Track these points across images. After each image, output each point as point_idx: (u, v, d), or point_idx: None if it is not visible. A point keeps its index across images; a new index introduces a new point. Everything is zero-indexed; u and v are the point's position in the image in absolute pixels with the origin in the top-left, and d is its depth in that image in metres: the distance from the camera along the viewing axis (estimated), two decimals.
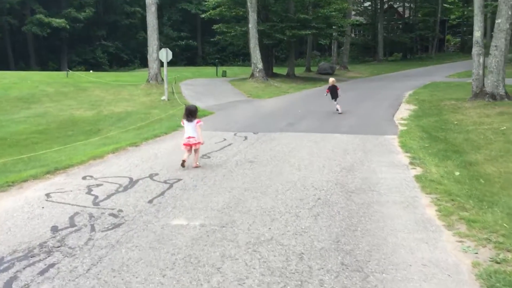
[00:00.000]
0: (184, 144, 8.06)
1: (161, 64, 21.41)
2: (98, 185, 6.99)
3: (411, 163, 8.22)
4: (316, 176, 7.42)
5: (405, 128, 12.27)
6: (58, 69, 47.48)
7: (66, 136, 13.39)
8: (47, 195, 6.46)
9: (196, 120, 8.07)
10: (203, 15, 33.68)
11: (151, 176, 7.49)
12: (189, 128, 8.07)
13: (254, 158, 8.80)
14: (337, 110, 15.16)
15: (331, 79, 15.82)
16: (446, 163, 8.33)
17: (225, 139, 11.03)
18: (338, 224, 5.15)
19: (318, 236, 4.78)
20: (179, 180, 7.24)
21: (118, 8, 57.42)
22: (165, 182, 7.14)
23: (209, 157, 8.98)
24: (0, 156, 10.30)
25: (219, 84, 28.05)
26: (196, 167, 8.03)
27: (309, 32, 31.38)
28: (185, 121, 8.12)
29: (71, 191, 6.66)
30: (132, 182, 7.14)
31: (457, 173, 7.62)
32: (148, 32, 24.50)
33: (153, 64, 24.35)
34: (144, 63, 59.47)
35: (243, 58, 57.66)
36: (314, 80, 34.29)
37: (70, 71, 30.67)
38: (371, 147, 9.82)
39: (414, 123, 13.15)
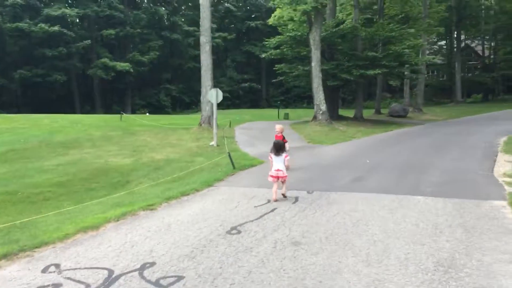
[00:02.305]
0: (272, 176, 8.59)
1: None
2: (55, 286, 4.58)
3: None
4: (396, 279, 4.58)
5: None
6: (123, 111, 47.65)
7: (87, 190, 11.38)
8: None
9: (284, 154, 8.67)
10: (263, 55, 31.85)
11: (142, 269, 5.01)
12: (278, 162, 8.62)
13: (302, 237, 6.09)
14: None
15: (278, 126, 12.27)
16: None
17: (268, 201, 8.42)
18: None
19: None
20: (180, 279, 4.70)
21: (183, 51, 57.78)
22: (157, 283, 4.61)
23: (239, 232, 6.40)
24: None
25: None
26: (284, 196, 8.58)
27: (379, 72, 28.46)
28: (273, 156, 8.67)
29: None
30: (109, 281, 4.68)
31: None
32: (202, 72, 22.82)
33: (205, 106, 22.47)
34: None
35: (308, 100, 55.46)
36: (385, 123, 31.06)
37: (124, 114, 29.73)
38: (474, 221, 6.77)
39: None
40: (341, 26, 28.18)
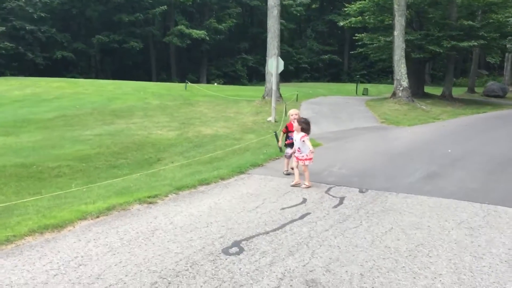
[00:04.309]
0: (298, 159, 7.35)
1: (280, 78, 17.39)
2: None
3: None
4: None
5: None
6: (197, 81, 46.97)
7: (110, 167, 10.04)
8: None
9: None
10: (341, 23, 28.93)
11: None
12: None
13: (325, 271, 4.06)
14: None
15: (291, 111, 8.17)
16: None
17: (304, 200, 6.43)
18: None
19: None
20: None
21: (263, 20, 55.64)
22: None
23: (240, 251, 4.53)
24: None
25: (352, 104, 23.07)
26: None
27: (475, 44, 24.60)
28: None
29: None
30: None
31: None
32: (268, 39, 20.74)
33: (270, 77, 20.40)
34: (285, 78, 56.98)
35: (393, 75, 51.34)
36: (478, 103, 27.19)
37: (189, 83, 28.58)
38: None
39: None
40: None
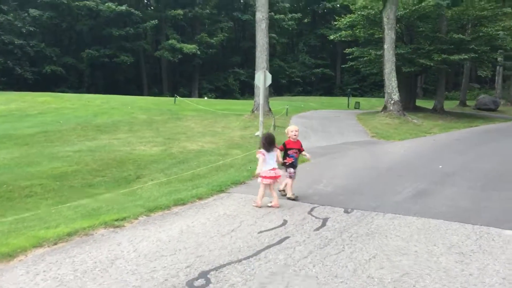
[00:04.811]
0: (266, 177, 6.78)
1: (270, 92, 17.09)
2: None
3: None
4: None
5: None
6: (189, 95, 46.62)
7: (85, 186, 9.57)
8: None
9: (276, 149, 6.98)
10: (332, 37, 28.77)
11: None
12: (271, 159, 6.89)
13: None
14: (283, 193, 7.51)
15: (291, 128, 7.58)
16: None
17: (284, 222, 6.00)
18: None
19: None
20: None
21: (254, 34, 55.61)
22: None
23: (206, 284, 4.05)
24: None
25: (343, 118, 22.75)
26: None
27: (466, 57, 24.45)
28: (265, 152, 6.88)
29: None
30: None
31: None
32: (257, 53, 20.45)
33: (258, 91, 20.05)
34: (277, 92, 56.75)
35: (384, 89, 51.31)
36: (469, 117, 26.99)
37: (178, 97, 28.17)
38: None
39: None
40: (423, 4, 24.39)
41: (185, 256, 4.75)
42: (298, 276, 4.25)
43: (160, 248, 4.99)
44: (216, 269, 4.42)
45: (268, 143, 6.91)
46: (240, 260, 4.65)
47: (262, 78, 15.24)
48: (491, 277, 4.33)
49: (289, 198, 7.25)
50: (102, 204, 7.36)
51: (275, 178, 6.85)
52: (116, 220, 5.93)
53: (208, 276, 4.25)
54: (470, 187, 8.33)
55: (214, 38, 47.86)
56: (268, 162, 6.86)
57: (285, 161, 7.35)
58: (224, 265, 4.51)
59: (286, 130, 7.65)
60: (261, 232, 5.60)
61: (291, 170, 7.33)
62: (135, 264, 4.49)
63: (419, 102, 31.63)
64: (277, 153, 6.95)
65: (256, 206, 6.76)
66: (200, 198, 7.33)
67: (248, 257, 4.74)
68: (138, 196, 8.02)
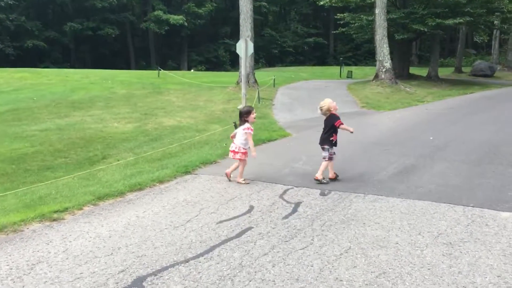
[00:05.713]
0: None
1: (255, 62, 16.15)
2: None
3: None
4: None
5: None
6: (178, 68, 45.36)
7: (44, 168, 8.76)
8: None
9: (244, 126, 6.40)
10: (322, 2, 27.51)
11: None
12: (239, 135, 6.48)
13: None
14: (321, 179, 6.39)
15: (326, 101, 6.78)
16: None
17: (250, 208, 5.27)
18: None
19: None
20: None
21: None
22: None
23: None
24: None
25: (333, 88, 21.85)
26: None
27: (461, 21, 23.38)
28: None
29: None
30: None
31: None
32: (240, 21, 19.40)
33: (244, 62, 19.05)
34: (269, 63, 55.44)
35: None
36: (465, 84, 26.12)
37: (162, 70, 27.08)
38: None
39: None
40: None
41: (123, 256, 4.01)
42: (251, 281, 3.52)
43: (96, 246, 4.24)
44: (155, 273, 3.68)
45: (239, 115, 6.61)
46: (187, 260, 3.91)
47: (243, 47, 14.31)
48: (483, 275, 3.61)
49: (332, 179, 6.46)
50: (52, 191, 6.59)
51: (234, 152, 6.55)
52: (56, 211, 5.17)
53: (143, 283, 3.52)
54: (462, 161, 7.58)
55: (203, 8, 46.27)
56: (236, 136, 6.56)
57: (331, 138, 6.54)
58: (166, 268, 3.78)
59: (332, 105, 6.67)
60: (220, 222, 4.86)
61: (333, 151, 6.60)
62: (58, 270, 3.74)
63: (414, 70, 30.66)
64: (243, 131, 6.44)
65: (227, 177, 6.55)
66: (161, 182, 6.56)
67: (198, 256, 4.00)
68: (96, 180, 7.25)
